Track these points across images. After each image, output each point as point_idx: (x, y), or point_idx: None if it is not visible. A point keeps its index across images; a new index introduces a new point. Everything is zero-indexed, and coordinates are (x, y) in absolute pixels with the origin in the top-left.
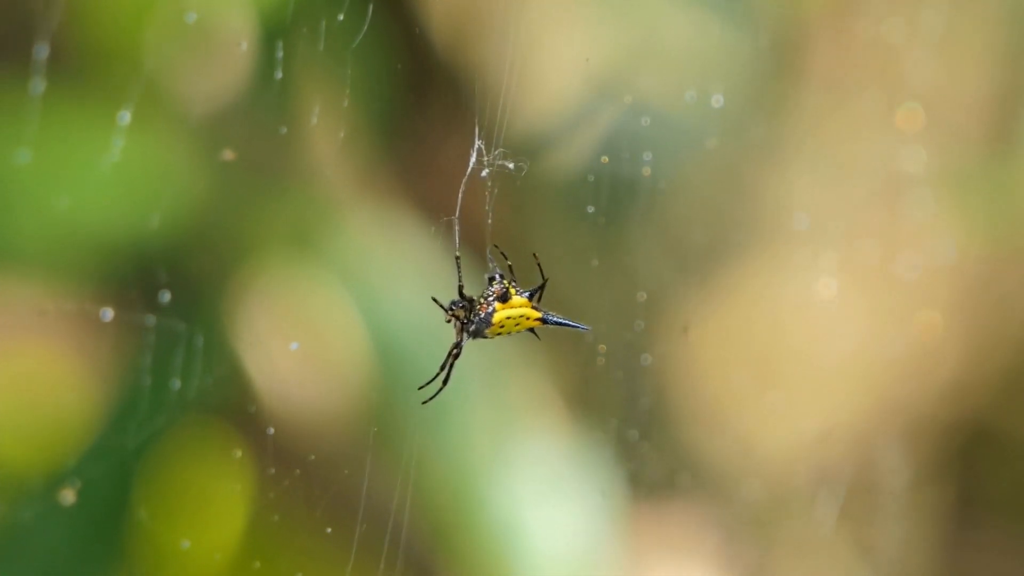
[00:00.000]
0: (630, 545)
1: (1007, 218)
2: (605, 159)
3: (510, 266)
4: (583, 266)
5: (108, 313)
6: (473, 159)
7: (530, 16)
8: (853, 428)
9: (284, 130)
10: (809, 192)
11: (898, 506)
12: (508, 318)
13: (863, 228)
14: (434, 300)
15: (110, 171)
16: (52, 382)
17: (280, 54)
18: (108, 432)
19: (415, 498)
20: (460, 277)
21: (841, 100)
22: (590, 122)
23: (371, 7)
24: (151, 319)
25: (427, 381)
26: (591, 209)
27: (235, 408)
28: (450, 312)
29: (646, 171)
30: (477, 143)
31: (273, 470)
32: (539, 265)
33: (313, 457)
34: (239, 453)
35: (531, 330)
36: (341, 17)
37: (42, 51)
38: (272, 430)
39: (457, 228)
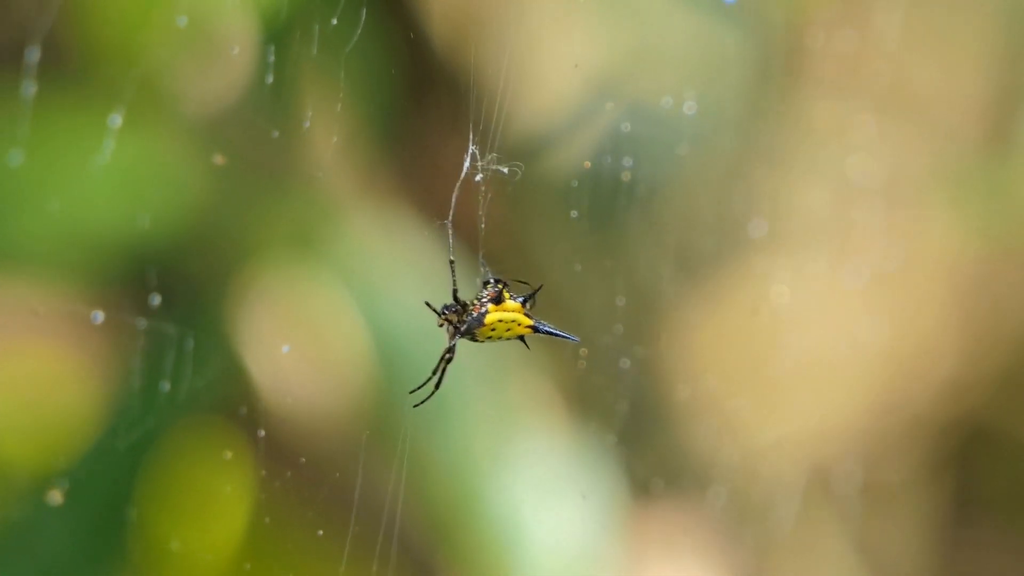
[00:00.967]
0: (628, 543)
1: (1003, 218)
2: (587, 164)
3: (501, 280)
4: (569, 269)
5: (99, 316)
6: (467, 164)
7: (525, 22)
8: (850, 427)
9: (282, 133)
10: (798, 196)
11: (895, 505)
12: (500, 321)
13: (854, 231)
14: (427, 304)
15: (113, 174)
16: (49, 384)
17: (272, 58)
18: (106, 433)
19: (415, 497)
20: (454, 281)
21: (832, 104)
22: (579, 127)
23: (364, 11)
24: (153, 321)
25: (419, 385)
26: (575, 214)
27: (233, 409)
28: (442, 316)
29: (629, 176)
30: (471, 148)
31: (264, 472)
32: (528, 285)
33: (304, 460)
34: (230, 454)
35: (521, 338)
36: (335, 21)
37: (33, 54)
38: (263, 432)
39: (451, 232)
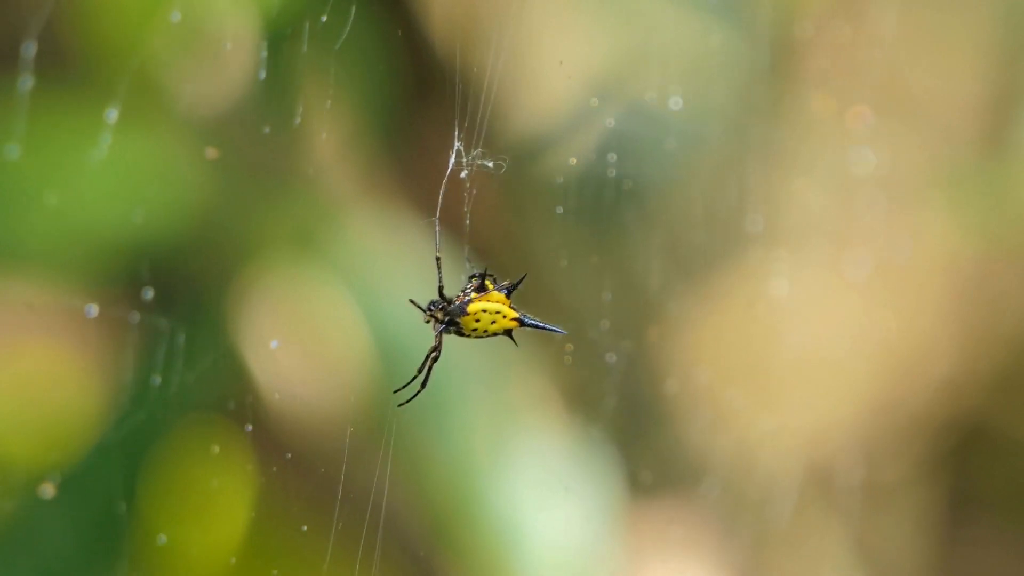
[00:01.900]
0: (624, 541)
1: (1000, 218)
2: (573, 160)
3: (485, 273)
4: (560, 265)
5: (93, 310)
6: (452, 161)
7: (519, 21)
8: (847, 425)
9: (280, 132)
10: (795, 195)
11: (892, 502)
12: (484, 311)
13: (853, 230)
14: (412, 302)
15: (113, 173)
16: (46, 381)
17: (265, 54)
18: (104, 430)
19: (412, 495)
20: (440, 278)
21: (829, 103)
22: (573, 124)
23: (354, 8)
24: (152, 318)
25: (404, 384)
26: (560, 210)
27: (230, 405)
28: (428, 313)
29: (617, 173)
30: (456, 144)
31: (256, 465)
32: (518, 283)
33: (298, 454)
34: (222, 448)
35: (509, 335)
36: (324, 19)
37: (30, 49)
38: (249, 428)
39: (438, 229)
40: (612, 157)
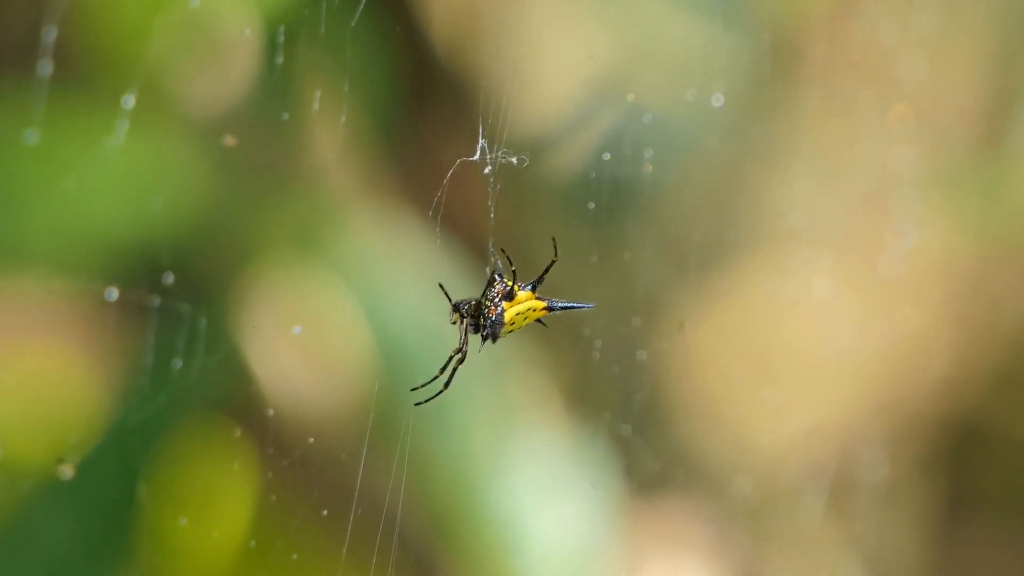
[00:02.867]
0: (626, 538)
1: (998, 218)
2: (607, 156)
3: (509, 258)
4: (582, 262)
5: (116, 293)
6: (476, 156)
7: (532, 16)
8: (845, 425)
9: (286, 132)
10: (805, 193)
11: (889, 502)
12: (518, 314)
13: (857, 228)
14: (440, 287)
15: (119, 174)
16: (57, 379)
17: (272, 66)
18: (114, 424)
19: (416, 492)
20: (449, 298)
21: (837, 101)
22: (592, 120)
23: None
24: (159, 317)
25: (423, 383)
26: (592, 206)
27: (238, 400)
28: (456, 312)
29: (647, 168)
30: (481, 141)
31: (272, 450)
32: (555, 246)
33: (304, 454)
34: (240, 445)
35: (539, 320)
36: (323, 26)
37: (51, 33)
38: (272, 411)
39: (438, 229)
40: (649, 153)
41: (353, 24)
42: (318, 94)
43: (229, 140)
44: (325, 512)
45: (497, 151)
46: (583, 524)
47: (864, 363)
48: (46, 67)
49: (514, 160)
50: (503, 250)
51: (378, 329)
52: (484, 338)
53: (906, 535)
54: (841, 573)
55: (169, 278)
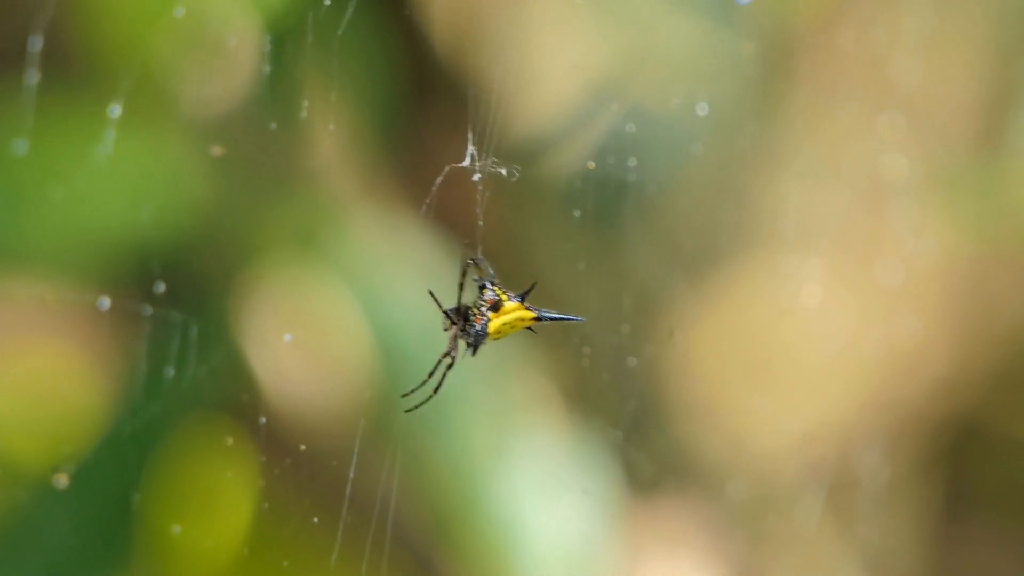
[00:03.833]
0: (624, 540)
1: (994, 220)
2: (591, 164)
3: (482, 269)
4: (571, 269)
5: (107, 302)
6: (466, 163)
7: (525, 24)
8: (843, 425)
9: (283, 131)
10: (796, 197)
11: (887, 502)
12: (504, 324)
13: (854, 230)
14: (431, 294)
15: (117, 174)
16: (55, 380)
17: (267, 53)
18: (112, 426)
19: (414, 494)
20: (440, 305)
21: (829, 106)
22: (579, 128)
23: (352, 7)
24: (157, 318)
25: (412, 389)
26: (577, 213)
27: (235, 401)
28: (447, 319)
29: (631, 177)
30: (470, 148)
31: (264, 463)
32: (529, 291)
33: (303, 449)
34: (231, 441)
35: (528, 328)
36: (326, 26)
37: (36, 43)
38: (263, 420)
39: (430, 216)
40: (633, 161)
41: (340, 32)
42: (317, 96)
43: (216, 150)
44: (316, 519)
45: (487, 158)
46: (582, 525)
47: (861, 364)
48: (32, 76)
49: (503, 171)
50: (474, 260)
51: (377, 328)
52: (468, 346)
53: (904, 534)
54: (840, 573)
55: (167, 281)
